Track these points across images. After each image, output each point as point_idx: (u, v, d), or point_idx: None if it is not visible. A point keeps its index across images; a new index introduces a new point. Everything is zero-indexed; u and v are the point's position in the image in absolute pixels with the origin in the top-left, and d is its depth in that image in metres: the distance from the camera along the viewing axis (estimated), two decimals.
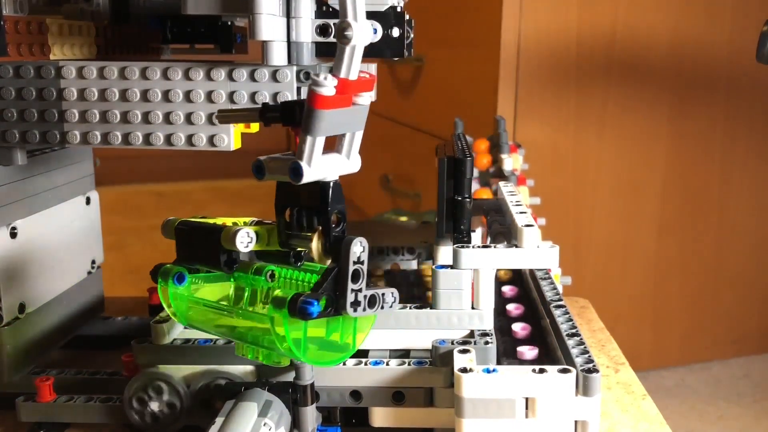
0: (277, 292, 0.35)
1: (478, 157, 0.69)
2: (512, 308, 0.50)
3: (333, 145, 0.35)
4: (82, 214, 0.56)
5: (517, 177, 0.68)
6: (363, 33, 0.32)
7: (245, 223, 0.40)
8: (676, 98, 1.18)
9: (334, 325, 0.37)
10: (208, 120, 0.42)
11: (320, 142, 0.33)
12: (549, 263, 0.42)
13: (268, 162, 0.34)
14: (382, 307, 0.36)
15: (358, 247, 0.34)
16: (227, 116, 0.36)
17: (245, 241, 0.37)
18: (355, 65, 0.32)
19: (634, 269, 1.23)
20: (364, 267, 0.35)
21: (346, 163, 0.35)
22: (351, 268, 0.34)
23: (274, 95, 0.42)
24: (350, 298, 0.34)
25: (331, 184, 0.34)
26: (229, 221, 0.41)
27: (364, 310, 0.35)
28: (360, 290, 0.35)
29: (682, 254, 1.25)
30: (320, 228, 0.35)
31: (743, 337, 1.33)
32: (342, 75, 0.32)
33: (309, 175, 0.33)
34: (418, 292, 0.55)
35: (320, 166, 0.33)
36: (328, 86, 0.32)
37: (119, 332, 0.57)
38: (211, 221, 0.40)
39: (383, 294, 0.36)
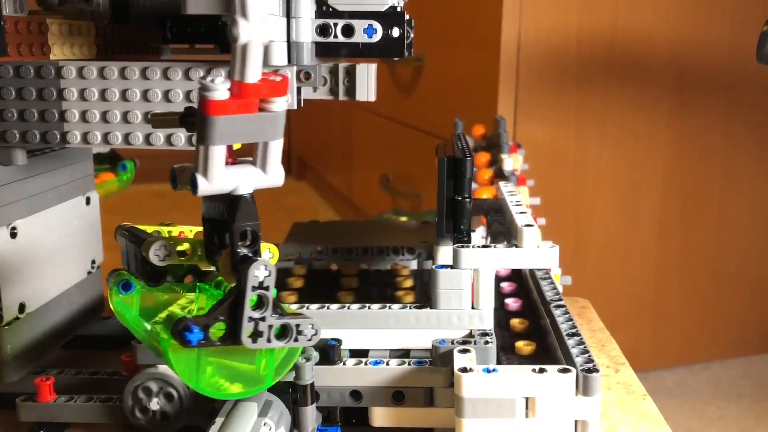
0: (174, 310, 0.34)
1: (477, 160, 0.69)
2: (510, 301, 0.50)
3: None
4: (82, 214, 0.56)
5: (517, 177, 0.68)
6: (253, 31, 0.29)
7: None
8: (676, 98, 1.18)
9: (254, 354, 0.34)
10: None
11: (218, 151, 0.30)
12: (549, 263, 0.42)
13: (179, 171, 0.33)
14: (296, 340, 0.33)
15: (261, 271, 0.31)
16: (157, 120, 0.34)
17: (160, 254, 0.35)
18: (251, 66, 0.30)
19: (634, 269, 1.23)
20: (269, 293, 0.32)
21: (261, 176, 0.32)
22: (250, 293, 0.31)
23: None
24: (247, 327, 0.31)
25: (241, 198, 0.32)
26: (192, 231, 0.40)
27: (269, 341, 0.32)
28: (263, 319, 0.32)
29: (683, 254, 1.25)
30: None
31: (743, 337, 1.33)
32: (236, 77, 0.30)
33: (206, 188, 0.31)
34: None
35: (223, 179, 0.31)
36: (219, 90, 0.29)
37: (119, 332, 0.57)
38: (169, 229, 0.40)
39: (298, 325, 0.33)
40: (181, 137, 0.42)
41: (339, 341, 0.42)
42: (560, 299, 0.47)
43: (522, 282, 0.55)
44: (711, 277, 1.28)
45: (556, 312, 0.45)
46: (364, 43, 0.42)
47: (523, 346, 0.44)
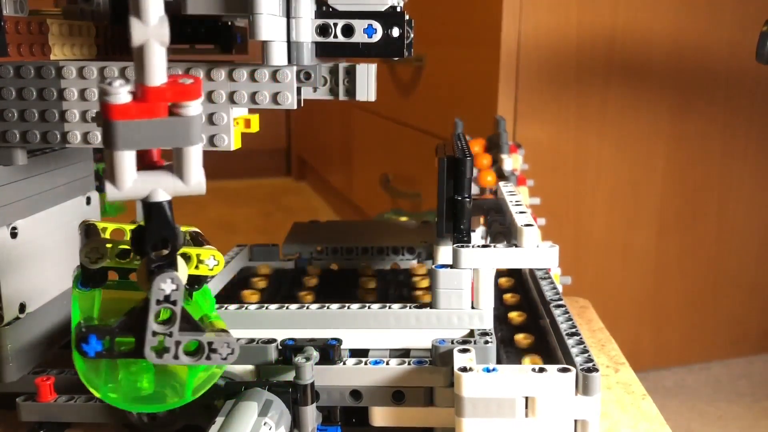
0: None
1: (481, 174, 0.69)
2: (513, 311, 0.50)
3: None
4: (83, 214, 0.56)
5: (517, 177, 0.68)
6: (148, 32, 0.28)
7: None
8: (676, 98, 1.18)
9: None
10: (208, 120, 0.42)
11: (126, 156, 0.29)
12: (549, 263, 0.42)
13: (102, 173, 0.32)
14: (209, 358, 0.31)
15: (168, 285, 0.30)
16: (99, 118, 0.32)
17: (92, 257, 0.34)
18: (150, 69, 0.28)
19: (634, 269, 1.23)
20: (177, 308, 0.31)
21: (179, 183, 0.30)
22: (155, 307, 0.30)
23: (274, 95, 0.42)
24: (150, 341, 0.31)
25: (155, 205, 0.30)
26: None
27: (176, 357, 0.31)
28: (169, 334, 0.31)
29: (682, 254, 1.25)
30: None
31: (743, 337, 1.33)
32: (137, 80, 0.28)
33: (115, 194, 0.29)
34: (407, 293, 0.55)
35: (134, 185, 0.29)
36: (117, 93, 0.28)
37: None
38: (132, 228, 0.39)
39: (211, 343, 0.32)
40: None
41: (339, 341, 0.43)
42: (560, 299, 0.47)
43: (522, 283, 0.56)
44: (711, 277, 1.28)
45: (556, 312, 0.45)
46: (364, 43, 0.42)
47: (522, 339, 0.45)
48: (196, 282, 0.36)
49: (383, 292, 0.54)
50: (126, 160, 0.29)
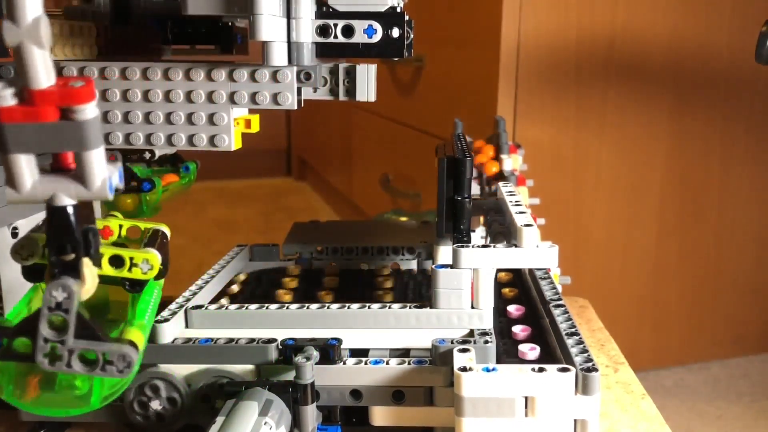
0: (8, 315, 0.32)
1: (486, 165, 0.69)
2: (513, 310, 0.50)
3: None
4: None
5: (517, 177, 0.68)
6: (19, 33, 0.27)
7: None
8: (676, 98, 1.18)
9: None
10: (209, 120, 0.42)
11: (22, 159, 0.28)
12: (548, 263, 0.42)
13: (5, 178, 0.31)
14: (104, 370, 0.31)
15: (59, 293, 0.30)
16: None
17: (23, 253, 0.34)
18: (32, 71, 0.27)
19: (634, 269, 1.24)
20: (70, 317, 0.30)
21: (80, 188, 0.29)
22: (46, 313, 0.30)
23: (275, 96, 0.42)
24: (42, 348, 0.30)
25: (57, 210, 0.29)
26: (143, 225, 0.39)
27: (69, 366, 0.31)
28: (62, 342, 0.30)
29: (682, 254, 1.25)
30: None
31: (743, 337, 1.33)
32: (22, 83, 0.28)
33: (14, 197, 0.29)
34: (369, 293, 0.55)
35: (33, 188, 0.29)
36: (1, 96, 0.27)
37: None
38: (104, 223, 0.38)
39: (105, 354, 0.31)
40: (182, 137, 0.42)
41: (339, 341, 0.43)
42: (559, 299, 0.47)
43: (522, 284, 0.56)
44: (710, 277, 1.28)
45: (556, 312, 0.45)
46: (364, 43, 0.42)
47: (508, 291, 0.47)
48: (137, 284, 0.36)
49: (345, 292, 0.54)
50: (22, 163, 0.28)
